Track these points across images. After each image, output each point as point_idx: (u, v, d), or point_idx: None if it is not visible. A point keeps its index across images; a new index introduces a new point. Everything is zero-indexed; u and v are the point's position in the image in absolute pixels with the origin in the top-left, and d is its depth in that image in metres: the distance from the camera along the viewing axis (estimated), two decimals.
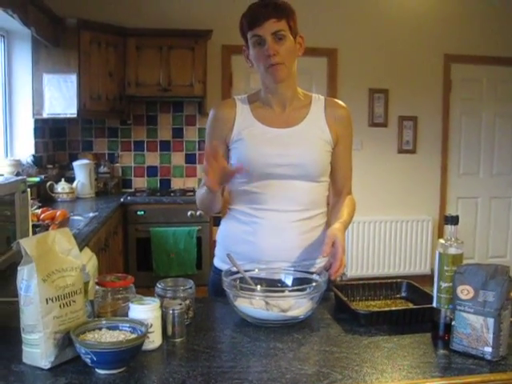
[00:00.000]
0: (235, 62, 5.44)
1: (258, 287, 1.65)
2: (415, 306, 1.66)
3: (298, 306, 1.56)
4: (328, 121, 1.94)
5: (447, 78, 5.86)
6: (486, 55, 5.83)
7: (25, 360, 1.25)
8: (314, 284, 1.60)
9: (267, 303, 1.58)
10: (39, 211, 3.21)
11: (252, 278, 1.70)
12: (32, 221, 2.72)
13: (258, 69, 1.88)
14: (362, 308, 1.64)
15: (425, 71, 5.79)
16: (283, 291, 1.65)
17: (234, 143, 1.92)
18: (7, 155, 4.40)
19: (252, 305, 1.56)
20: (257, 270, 1.76)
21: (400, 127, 5.81)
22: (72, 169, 4.94)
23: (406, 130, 5.82)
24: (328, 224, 1.96)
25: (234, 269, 1.70)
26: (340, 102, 2.02)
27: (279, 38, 1.79)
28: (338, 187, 2.03)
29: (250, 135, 1.90)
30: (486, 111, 6.03)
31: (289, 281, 1.75)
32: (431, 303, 1.47)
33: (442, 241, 1.42)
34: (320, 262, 1.87)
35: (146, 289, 1.71)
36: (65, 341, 1.24)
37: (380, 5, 5.63)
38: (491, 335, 1.29)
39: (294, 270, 1.77)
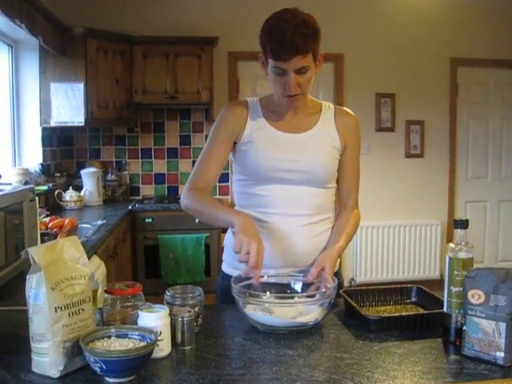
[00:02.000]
0: (242, 69, 5.45)
1: (268, 294, 1.65)
2: (426, 312, 1.64)
3: (307, 312, 1.55)
4: (338, 128, 1.94)
5: (454, 82, 5.85)
6: (493, 58, 5.82)
7: (34, 369, 1.24)
8: (323, 290, 1.60)
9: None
10: (47, 219, 3.22)
11: (261, 283, 1.70)
12: (40, 229, 2.72)
13: (273, 88, 1.85)
14: (372, 314, 1.63)
15: (431, 75, 5.78)
16: (293, 298, 1.64)
17: (244, 145, 1.91)
18: (15, 164, 4.42)
19: (262, 312, 1.55)
20: (266, 277, 1.76)
21: (407, 131, 5.80)
22: (80, 177, 4.95)
23: (414, 135, 5.81)
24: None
25: (243, 275, 1.68)
26: (349, 111, 2.02)
27: (302, 72, 1.75)
28: (343, 196, 2.02)
29: (261, 138, 1.90)
30: (493, 114, 6.01)
31: (298, 287, 1.75)
32: (442, 308, 1.46)
33: (451, 245, 1.41)
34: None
35: (154, 296, 1.71)
36: (74, 349, 1.24)
37: (386, 9, 5.63)
38: (503, 340, 1.27)
39: (303, 276, 1.76)
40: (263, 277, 1.73)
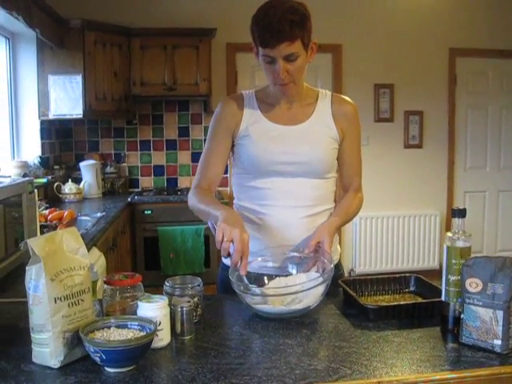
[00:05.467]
0: (240, 60, 5.44)
1: (266, 281, 1.70)
2: (424, 300, 1.65)
3: (307, 294, 1.54)
4: (334, 117, 1.93)
5: (452, 72, 5.83)
6: (492, 48, 5.80)
7: (34, 359, 1.25)
8: (322, 271, 1.62)
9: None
10: (47, 212, 3.23)
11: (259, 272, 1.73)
12: (40, 221, 2.73)
13: (266, 76, 1.84)
14: (370, 303, 1.64)
15: (430, 65, 5.77)
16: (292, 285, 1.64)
17: (241, 139, 1.91)
18: (14, 157, 4.42)
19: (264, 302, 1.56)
20: (260, 259, 1.77)
21: (406, 122, 5.80)
22: (79, 169, 4.95)
23: (412, 125, 5.80)
24: None
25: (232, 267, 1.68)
26: (347, 98, 2.00)
27: (291, 59, 1.73)
28: (346, 183, 2.02)
29: (257, 132, 1.89)
30: (492, 104, 6.00)
31: (294, 271, 1.76)
32: (440, 297, 1.47)
33: (449, 234, 1.42)
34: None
35: (154, 288, 1.71)
36: (74, 340, 1.25)
37: (384, 0, 5.62)
38: (501, 328, 1.28)
39: (301, 252, 1.78)
40: (258, 259, 1.78)
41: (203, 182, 1.95)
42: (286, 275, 1.73)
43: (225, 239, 1.57)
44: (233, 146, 1.96)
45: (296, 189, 1.89)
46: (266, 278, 1.74)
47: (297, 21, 1.69)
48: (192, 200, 1.93)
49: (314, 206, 1.92)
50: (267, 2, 1.74)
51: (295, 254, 1.80)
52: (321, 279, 1.55)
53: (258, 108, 1.93)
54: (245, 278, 1.62)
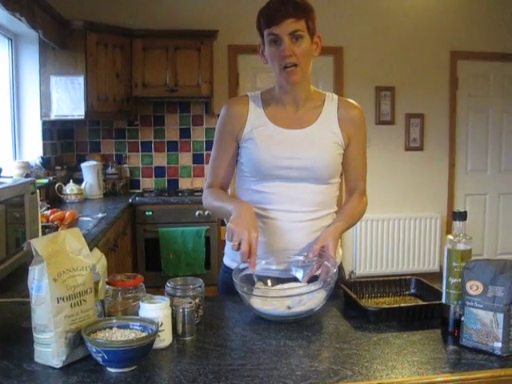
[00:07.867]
0: (241, 62, 5.44)
1: (269, 283, 1.71)
2: (424, 303, 1.66)
3: (311, 297, 1.55)
4: (340, 122, 1.91)
5: (454, 75, 5.84)
6: (493, 51, 5.81)
7: (37, 359, 1.25)
8: (326, 277, 1.61)
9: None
10: (48, 212, 3.23)
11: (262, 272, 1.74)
12: (41, 222, 2.73)
13: (272, 67, 1.84)
14: (371, 305, 1.64)
15: (431, 68, 5.78)
16: (297, 287, 1.65)
17: (245, 142, 1.90)
18: (16, 157, 4.42)
19: (267, 304, 1.56)
20: (264, 262, 1.78)
21: (407, 125, 5.80)
22: (80, 170, 4.96)
23: (413, 128, 5.81)
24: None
25: (242, 266, 1.69)
26: (353, 103, 1.98)
27: (296, 38, 1.75)
28: (351, 187, 2.02)
29: (261, 135, 1.88)
30: (493, 107, 6.01)
31: (299, 274, 1.76)
32: (440, 299, 1.47)
33: (450, 237, 1.42)
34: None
35: (155, 289, 1.72)
36: (76, 340, 1.25)
37: (385, 2, 5.62)
38: (501, 330, 1.28)
39: (304, 255, 1.79)
40: (262, 262, 1.77)
41: (214, 184, 2.00)
42: (289, 278, 1.75)
43: (233, 241, 1.63)
44: (238, 147, 1.96)
45: (299, 194, 1.88)
46: (269, 280, 1.74)
47: (301, 4, 1.77)
48: (207, 199, 1.99)
49: (317, 211, 1.91)
50: None
51: (299, 257, 1.81)
52: (324, 283, 1.55)
53: (263, 110, 1.91)
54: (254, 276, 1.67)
